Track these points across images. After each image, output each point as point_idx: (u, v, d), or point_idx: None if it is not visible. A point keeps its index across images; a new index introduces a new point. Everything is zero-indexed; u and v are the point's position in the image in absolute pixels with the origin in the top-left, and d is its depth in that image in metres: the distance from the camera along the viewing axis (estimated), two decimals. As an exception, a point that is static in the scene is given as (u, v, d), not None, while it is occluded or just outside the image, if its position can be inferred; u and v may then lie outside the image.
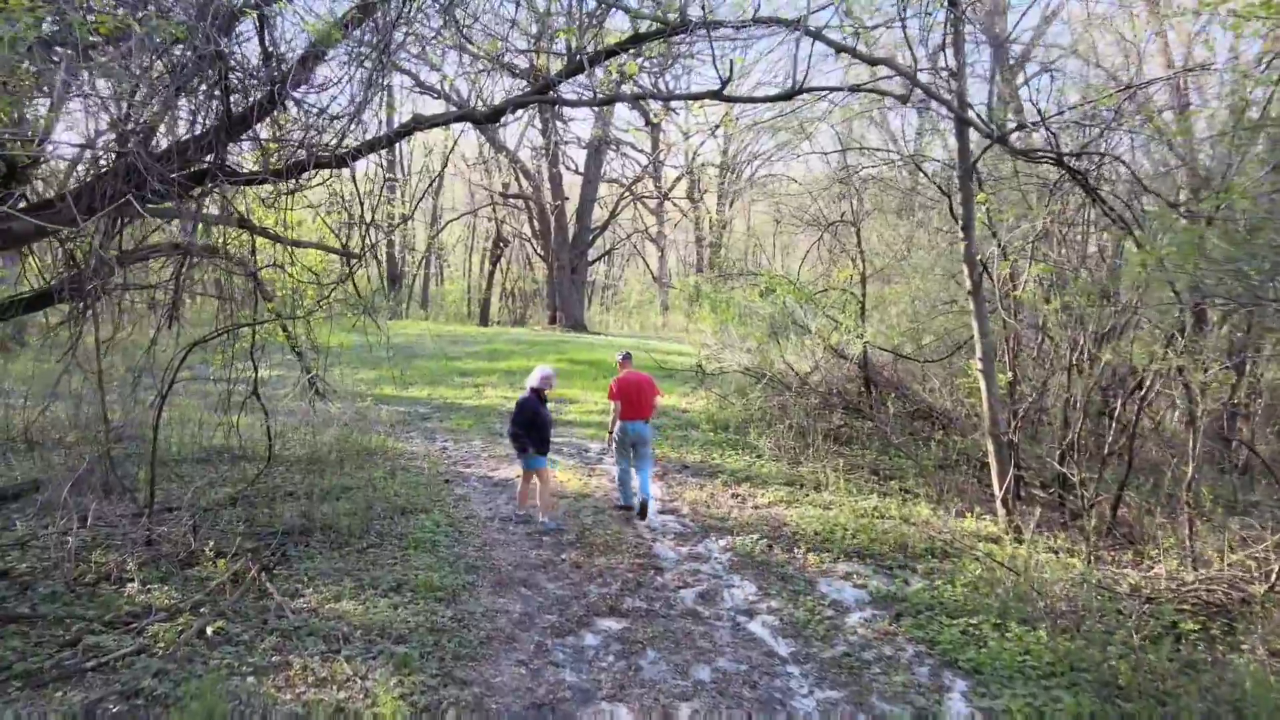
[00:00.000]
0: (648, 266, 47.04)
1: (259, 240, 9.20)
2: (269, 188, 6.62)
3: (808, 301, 11.42)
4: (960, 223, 8.05)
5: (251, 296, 8.95)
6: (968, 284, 8.18)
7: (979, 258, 8.21)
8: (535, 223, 32.53)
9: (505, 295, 44.09)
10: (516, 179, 33.17)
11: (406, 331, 27.84)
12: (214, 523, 7.94)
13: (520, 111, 34.94)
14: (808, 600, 6.71)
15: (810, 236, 16.98)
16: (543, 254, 33.21)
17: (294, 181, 6.27)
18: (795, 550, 7.88)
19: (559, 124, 30.35)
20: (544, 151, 30.41)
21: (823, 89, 6.58)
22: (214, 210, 7.89)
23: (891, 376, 13.09)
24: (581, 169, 33.34)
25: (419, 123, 6.49)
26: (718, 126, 29.87)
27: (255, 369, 8.91)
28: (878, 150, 12.04)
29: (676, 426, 13.02)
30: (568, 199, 32.06)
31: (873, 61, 5.82)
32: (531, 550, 7.70)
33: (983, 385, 8.33)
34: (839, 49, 5.75)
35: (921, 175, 17.48)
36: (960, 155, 7.86)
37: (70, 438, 10.14)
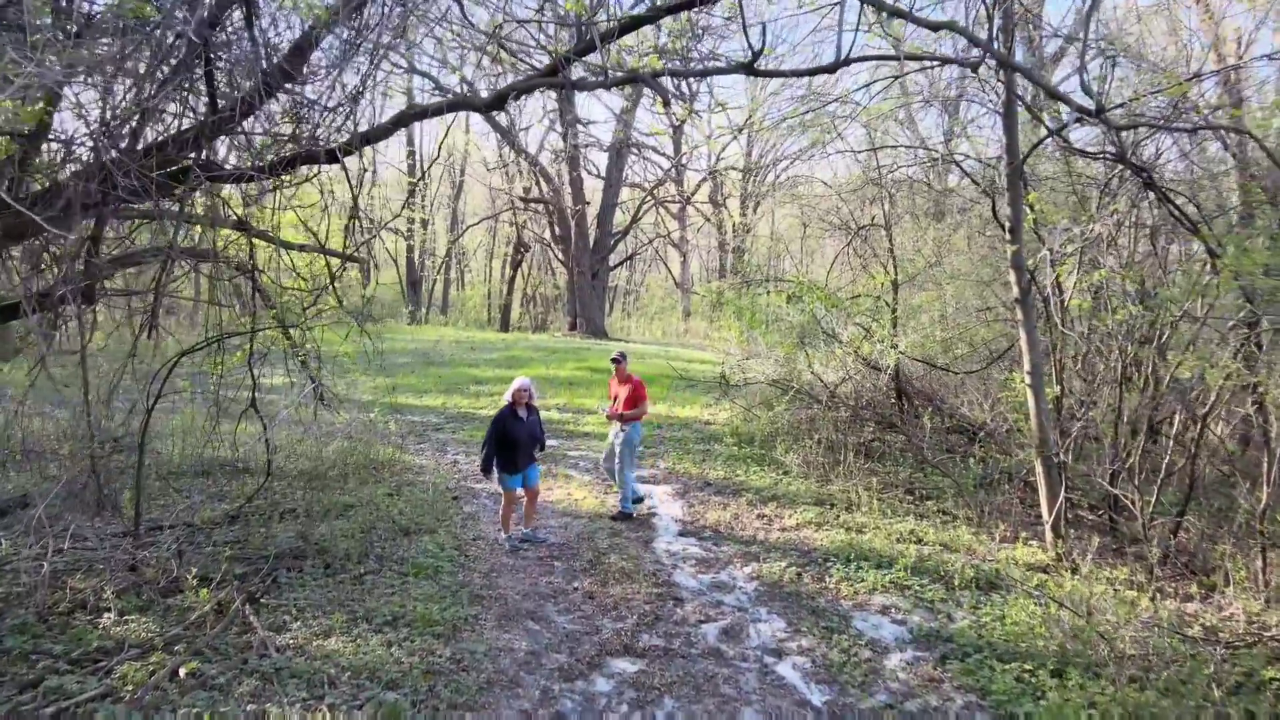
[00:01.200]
0: (669, 272, 46.51)
1: (256, 243, 8.76)
2: (261, 185, 6.11)
3: (837, 308, 10.77)
4: (1007, 225, 7.41)
5: (249, 302, 8.48)
6: (1014, 291, 7.54)
7: (1028, 263, 7.56)
8: (555, 227, 32.06)
9: (526, 300, 43.71)
10: (537, 183, 32.75)
11: (424, 337, 27.47)
12: (206, 543, 7.48)
13: (540, 115, 34.48)
14: (842, 639, 6.09)
15: (838, 241, 16.36)
16: (563, 259, 32.73)
17: (282, 179, 5.75)
18: (827, 579, 7.27)
19: (579, 127, 29.89)
20: (563, 154, 29.94)
21: (874, 58, 5.89)
22: (205, 210, 7.40)
23: (924, 388, 12.44)
24: (602, 173, 32.87)
25: (414, 113, 5.98)
26: (742, 129, 29.34)
27: (254, 379, 8.44)
28: (912, 147, 11.37)
29: (699, 440, 12.42)
30: (589, 203, 31.59)
31: (935, 26, 5.19)
32: (542, 577, 7.14)
33: (1031, 401, 7.68)
34: (894, 13, 5.13)
35: (954, 177, 16.81)
36: (1009, 151, 7.22)
37: (65, 449, 9.72)
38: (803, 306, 10.77)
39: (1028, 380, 7.65)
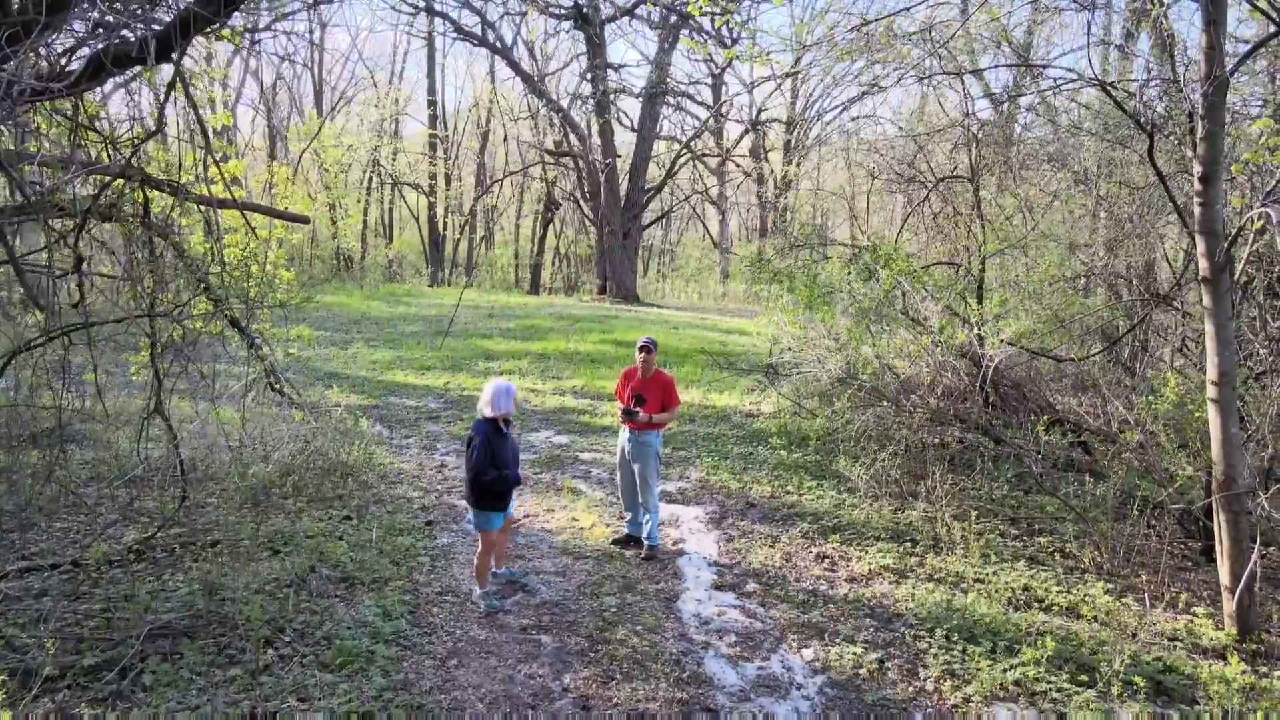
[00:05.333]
0: (707, 231, 44.01)
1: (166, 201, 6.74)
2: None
3: (923, 283, 8.44)
4: (1197, 170, 5.10)
5: (160, 269, 6.47)
6: (1201, 267, 5.25)
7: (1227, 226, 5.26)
8: (585, 182, 29.73)
9: (558, 259, 41.52)
10: (565, 135, 30.36)
11: (441, 300, 25.49)
12: (87, 595, 5.58)
13: (567, 58, 32.03)
14: (961, 802, 4.00)
15: (899, 200, 13.98)
16: (593, 216, 30.43)
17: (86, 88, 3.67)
18: (921, 671, 5.16)
19: (609, 71, 27.42)
20: (591, 99, 27.45)
21: None
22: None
23: (1014, 379, 10.08)
24: (634, 124, 30.34)
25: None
26: (791, 73, 26.64)
27: (157, 374, 6.48)
28: (1046, 66, 8.82)
29: (739, 440, 10.27)
30: (619, 156, 29.19)
31: None
32: (521, 665, 5.11)
33: (1215, 420, 5.42)
34: None
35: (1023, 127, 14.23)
36: (1207, 59, 4.90)
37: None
38: (878, 281, 8.46)
39: (1213, 393, 5.38)
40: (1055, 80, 6.98)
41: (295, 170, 28.20)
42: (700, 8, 16.30)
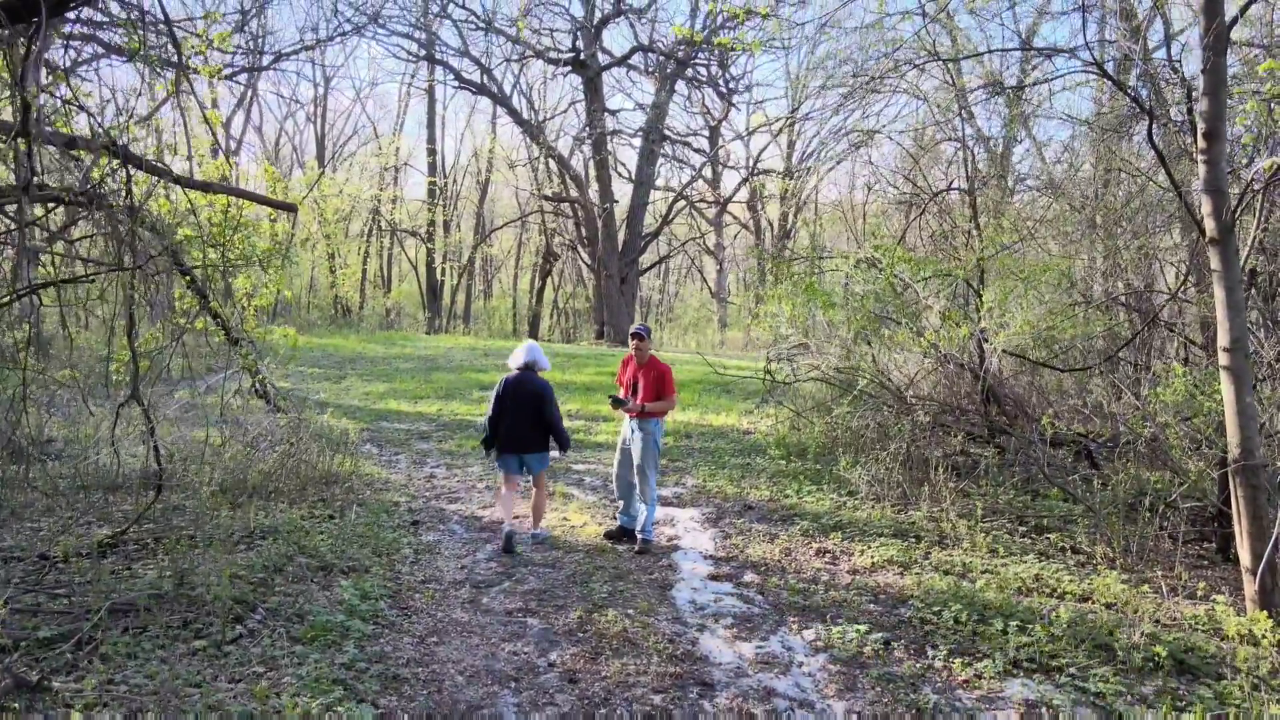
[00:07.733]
0: (705, 282, 44.20)
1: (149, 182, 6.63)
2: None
3: (925, 277, 8.30)
4: (1200, 131, 4.99)
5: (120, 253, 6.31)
6: (1209, 228, 5.11)
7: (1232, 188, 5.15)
8: (582, 228, 29.87)
9: (557, 312, 41.55)
10: (563, 182, 30.61)
11: (437, 344, 25.38)
12: (54, 584, 5.31)
13: (565, 103, 32.56)
14: (977, 768, 3.70)
15: (899, 220, 13.94)
16: (590, 262, 30.52)
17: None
18: (930, 650, 4.86)
19: (606, 115, 27.77)
20: (589, 138, 27.69)
21: None
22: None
23: (1015, 391, 9.89)
24: (631, 176, 30.64)
25: None
26: (788, 121, 27.02)
27: (134, 362, 6.28)
28: (1046, 51, 8.75)
29: (736, 452, 10.03)
30: (616, 202, 29.38)
31: None
32: (505, 644, 4.82)
33: (1228, 392, 5.23)
34: None
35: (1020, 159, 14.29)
36: (1206, 13, 4.84)
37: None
38: (879, 273, 8.30)
39: (1225, 361, 5.20)
40: (1053, 61, 6.95)
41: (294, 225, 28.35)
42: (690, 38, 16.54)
